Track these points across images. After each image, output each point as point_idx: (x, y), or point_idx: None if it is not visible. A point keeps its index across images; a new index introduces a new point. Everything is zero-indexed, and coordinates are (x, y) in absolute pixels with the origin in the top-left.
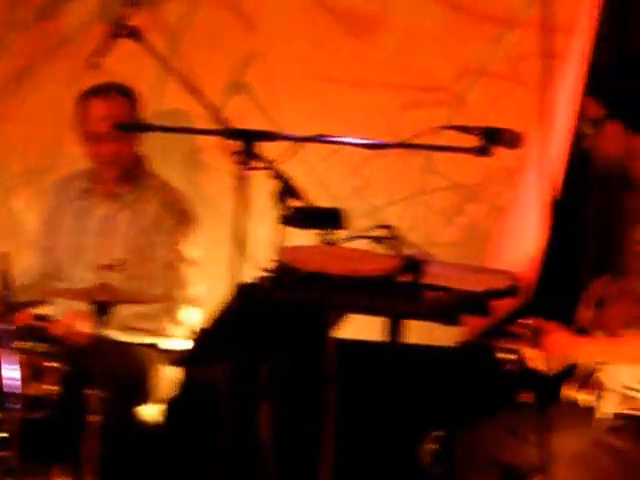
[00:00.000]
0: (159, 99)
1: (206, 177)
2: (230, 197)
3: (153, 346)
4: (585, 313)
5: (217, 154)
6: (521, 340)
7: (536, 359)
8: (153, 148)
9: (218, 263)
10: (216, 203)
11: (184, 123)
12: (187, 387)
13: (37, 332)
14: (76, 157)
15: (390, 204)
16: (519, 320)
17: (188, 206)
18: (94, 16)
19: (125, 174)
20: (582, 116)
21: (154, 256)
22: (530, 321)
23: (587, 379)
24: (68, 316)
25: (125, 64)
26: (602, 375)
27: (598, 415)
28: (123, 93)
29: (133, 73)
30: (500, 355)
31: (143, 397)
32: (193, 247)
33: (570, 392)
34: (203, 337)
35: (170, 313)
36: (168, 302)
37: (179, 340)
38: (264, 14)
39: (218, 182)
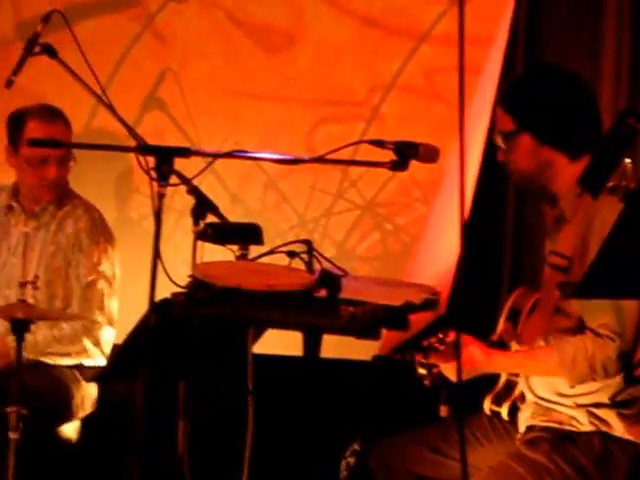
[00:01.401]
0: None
1: (137, 197)
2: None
3: (76, 367)
4: (502, 325)
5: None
6: (438, 354)
7: (453, 372)
8: (88, 167)
9: (138, 282)
10: (144, 224)
11: (111, 141)
12: (104, 404)
13: None
14: None
15: (306, 219)
16: (436, 333)
17: (108, 226)
18: (12, 37)
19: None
20: (495, 129)
21: (73, 275)
22: (447, 334)
23: (508, 392)
24: None
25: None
26: (522, 387)
27: (517, 427)
28: (62, 117)
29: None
30: (418, 369)
31: (65, 416)
32: (114, 266)
33: (491, 405)
34: (117, 354)
35: (90, 332)
36: (87, 321)
37: (101, 359)
38: (176, 30)
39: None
